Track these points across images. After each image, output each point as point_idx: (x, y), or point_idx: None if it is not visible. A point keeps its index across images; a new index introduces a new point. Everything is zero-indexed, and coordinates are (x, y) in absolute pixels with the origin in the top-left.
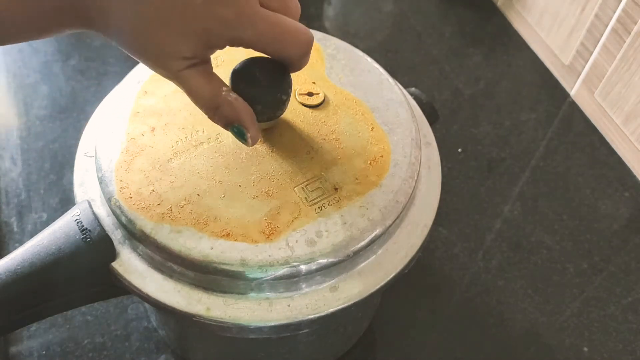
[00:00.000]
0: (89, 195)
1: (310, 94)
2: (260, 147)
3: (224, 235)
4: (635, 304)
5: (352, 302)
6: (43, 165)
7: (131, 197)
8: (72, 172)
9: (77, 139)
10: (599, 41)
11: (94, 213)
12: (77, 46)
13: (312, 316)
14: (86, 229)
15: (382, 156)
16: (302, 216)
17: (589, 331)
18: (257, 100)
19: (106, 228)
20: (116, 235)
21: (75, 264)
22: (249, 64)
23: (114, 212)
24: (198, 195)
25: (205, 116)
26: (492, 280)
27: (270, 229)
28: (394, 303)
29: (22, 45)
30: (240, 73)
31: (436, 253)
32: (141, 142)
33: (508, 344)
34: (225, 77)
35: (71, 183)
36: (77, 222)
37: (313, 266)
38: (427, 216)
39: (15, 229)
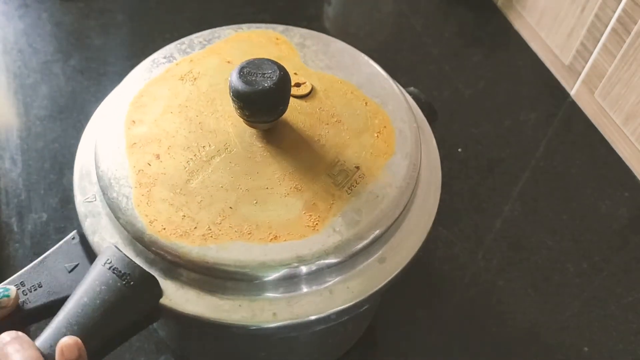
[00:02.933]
0: (106, 240)
1: (297, 85)
2: (270, 147)
3: (271, 239)
4: (635, 303)
5: (352, 302)
6: (43, 165)
7: (164, 229)
8: (72, 172)
9: (77, 139)
10: (599, 41)
11: (126, 256)
12: (77, 46)
13: (312, 316)
14: (124, 273)
15: (385, 127)
16: (336, 200)
17: (589, 331)
18: (266, 98)
19: (143, 266)
20: (156, 270)
21: (123, 311)
22: (249, 64)
23: (150, 248)
24: (231, 208)
25: (206, 130)
26: (492, 280)
27: (313, 220)
28: (394, 303)
29: (22, 45)
30: (243, 74)
31: (436, 253)
32: (151, 171)
33: (508, 344)
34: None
35: (71, 183)
36: (113, 269)
37: (314, 267)
38: (427, 216)
39: (15, 229)
